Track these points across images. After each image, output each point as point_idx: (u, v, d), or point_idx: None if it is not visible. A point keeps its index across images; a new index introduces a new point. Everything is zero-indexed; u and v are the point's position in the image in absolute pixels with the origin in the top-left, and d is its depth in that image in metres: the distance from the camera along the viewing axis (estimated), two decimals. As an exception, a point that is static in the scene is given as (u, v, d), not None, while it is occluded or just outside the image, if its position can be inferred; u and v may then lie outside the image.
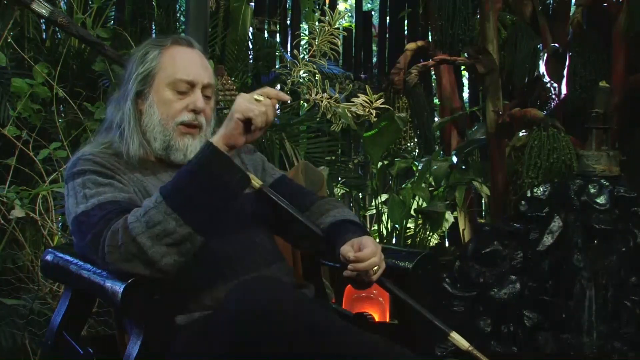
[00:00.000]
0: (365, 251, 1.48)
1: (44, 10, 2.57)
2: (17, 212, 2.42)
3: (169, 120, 1.56)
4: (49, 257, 1.62)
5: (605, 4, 3.27)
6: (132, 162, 1.55)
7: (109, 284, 1.39)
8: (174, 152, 1.57)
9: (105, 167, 1.51)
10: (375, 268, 1.48)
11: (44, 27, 3.25)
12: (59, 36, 3.19)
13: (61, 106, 2.91)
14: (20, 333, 2.39)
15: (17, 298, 2.53)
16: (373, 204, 3.59)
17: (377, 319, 2.40)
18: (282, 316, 1.28)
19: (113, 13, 3.49)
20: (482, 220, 3.96)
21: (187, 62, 1.59)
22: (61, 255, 1.59)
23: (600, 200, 2.66)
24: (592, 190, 2.68)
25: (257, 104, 1.40)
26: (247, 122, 1.39)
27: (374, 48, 4.97)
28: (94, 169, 1.50)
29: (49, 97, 2.65)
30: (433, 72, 4.23)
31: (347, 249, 1.50)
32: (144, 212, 1.38)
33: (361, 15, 4.88)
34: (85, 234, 1.43)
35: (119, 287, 1.36)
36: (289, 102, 1.52)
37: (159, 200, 1.38)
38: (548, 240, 2.67)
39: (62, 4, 3.28)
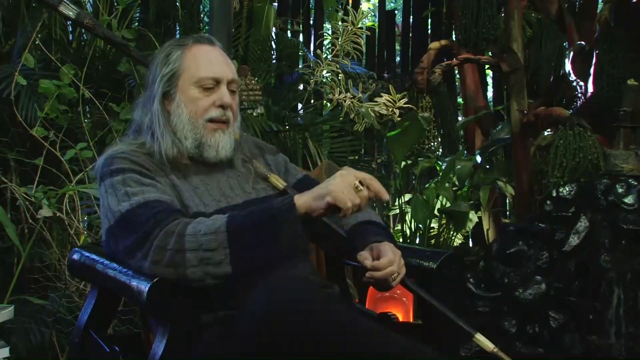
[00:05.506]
0: (383, 260, 1.47)
1: (71, 13, 2.60)
2: (45, 212, 2.46)
3: (198, 118, 1.57)
4: (75, 256, 1.63)
5: (633, 0, 3.22)
6: (166, 163, 1.55)
7: (134, 282, 1.40)
8: (207, 149, 1.58)
9: (144, 168, 1.51)
10: (394, 275, 1.48)
11: (70, 29, 3.29)
12: (85, 37, 3.22)
13: (87, 107, 2.94)
14: (48, 331, 2.43)
15: (45, 296, 2.57)
16: (396, 203, 3.58)
17: (401, 319, 2.39)
18: (310, 315, 1.27)
19: (138, 14, 3.52)
20: (507, 220, 3.92)
21: (210, 59, 1.60)
22: (87, 254, 1.60)
23: (628, 200, 2.63)
24: (620, 190, 2.65)
25: (354, 193, 1.35)
26: (336, 206, 1.35)
27: (397, 47, 4.95)
28: (134, 168, 1.50)
29: (75, 98, 2.68)
30: (457, 71, 4.21)
31: (365, 256, 1.50)
32: (204, 232, 1.37)
33: (384, 15, 4.88)
34: (132, 232, 1.41)
35: (144, 286, 1.37)
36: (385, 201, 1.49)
37: (222, 229, 1.37)
38: (574, 240, 2.65)
39: (88, 5, 3.31)
